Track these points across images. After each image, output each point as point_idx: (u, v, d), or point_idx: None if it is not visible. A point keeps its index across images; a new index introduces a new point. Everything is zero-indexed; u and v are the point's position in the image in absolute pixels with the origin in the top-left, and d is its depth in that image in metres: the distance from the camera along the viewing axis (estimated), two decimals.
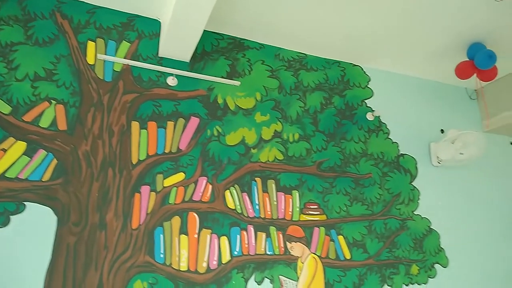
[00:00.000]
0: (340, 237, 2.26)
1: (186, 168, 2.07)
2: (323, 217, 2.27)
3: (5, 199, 1.72)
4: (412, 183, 2.54)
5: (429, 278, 2.37)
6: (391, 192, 2.46)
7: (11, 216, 1.72)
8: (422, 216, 2.48)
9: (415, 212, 2.48)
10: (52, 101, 1.90)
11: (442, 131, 2.75)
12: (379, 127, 2.58)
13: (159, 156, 2.03)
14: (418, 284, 2.33)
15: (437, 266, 2.42)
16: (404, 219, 2.43)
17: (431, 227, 2.48)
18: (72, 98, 1.93)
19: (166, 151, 2.05)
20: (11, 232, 1.70)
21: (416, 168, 2.59)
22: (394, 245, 2.35)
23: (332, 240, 2.24)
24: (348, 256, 2.23)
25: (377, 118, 2.59)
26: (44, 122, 1.86)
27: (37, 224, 1.73)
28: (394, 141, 2.59)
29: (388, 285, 2.26)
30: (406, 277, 2.32)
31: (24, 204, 1.74)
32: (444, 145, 2.54)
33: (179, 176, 2.05)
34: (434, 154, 2.63)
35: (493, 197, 2.76)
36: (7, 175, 1.75)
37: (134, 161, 1.97)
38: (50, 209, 1.77)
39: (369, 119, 2.56)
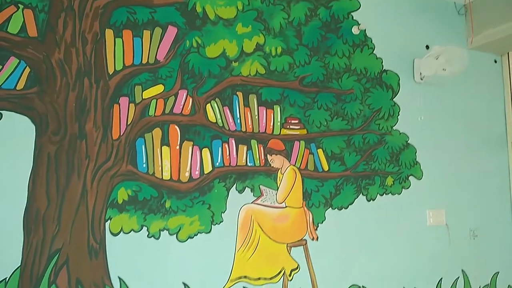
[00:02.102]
0: (320, 151, 2.37)
1: (165, 80, 2.08)
2: (304, 131, 2.36)
3: None
4: (393, 99, 2.62)
5: (403, 189, 2.55)
6: (372, 107, 2.54)
7: None
8: (401, 132, 2.60)
9: (394, 128, 2.59)
10: (19, 5, 1.83)
11: (427, 47, 2.77)
12: (364, 42, 2.59)
13: (136, 67, 2.02)
14: (392, 194, 2.52)
15: (411, 178, 2.59)
16: (383, 134, 2.54)
17: (408, 142, 2.61)
18: (41, 3, 1.86)
19: (143, 62, 2.04)
20: None
21: (399, 84, 2.65)
22: (371, 158, 2.49)
23: (311, 153, 2.35)
24: (326, 168, 2.37)
25: (363, 32, 2.58)
26: (13, 28, 1.81)
27: (16, 133, 1.77)
28: (378, 56, 2.62)
29: (363, 195, 2.44)
30: (381, 188, 2.49)
31: (1, 113, 1.76)
32: (427, 61, 2.58)
33: (158, 88, 2.06)
34: (417, 70, 2.68)
35: (472, 114, 2.89)
36: None
37: (111, 71, 1.97)
38: (28, 118, 1.80)
39: (354, 33, 2.55)
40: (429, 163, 2.65)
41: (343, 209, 2.38)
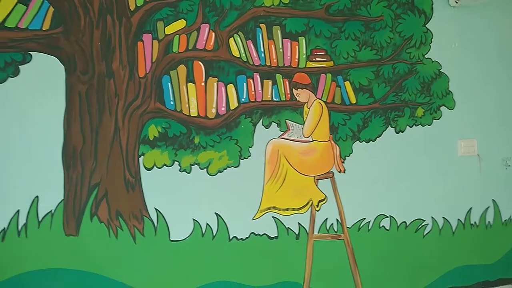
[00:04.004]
0: (347, 83, 2.41)
1: (187, 15, 2.12)
2: (330, 63, 2.38)
3: (10, 49, 1.86)
4: (426, 25, 2.57)
5: (434, 120, 2.59)
6: (403, 35, 2.52)
7: (19, 66, 1.87)
8: (433, 60, 2.58)
9: (426, 56, 2.57)
10: None
11: None
12: None
13: (156, 2, 2.07)
14: (422, 126, 2.56)
15: (443, 108, 2.61)
16: (414, 63, 2.54)
17: (441, 70, 2.60)
18: None
19: None
20: (23, 82, 1.88)
21: (432, 9, 2.58)
22: (401, 89, 2.51)
23: (338, 86, 2.40)
24: (353, 101, 2.42)
25: None
26: None
27: (46, 74, 1.90)
28: None
29: (392, 127, 2.50)
30: (411, 119, 2.53)
31: (30, 54, 1.88)
32: None
33: (180, 23, 2.12)
34: None
35: (511, 39, 2.80)
36: (6, 24, 1.86)
37: (132, 7, 2.03)
38: (56, 58, 1.91)
39: None
40: (462, 92, 2.64)
41: (371, 141, 2.46)
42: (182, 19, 2.12)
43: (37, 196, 1.90)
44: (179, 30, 2.11)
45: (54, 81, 1.91)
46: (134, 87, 2.02)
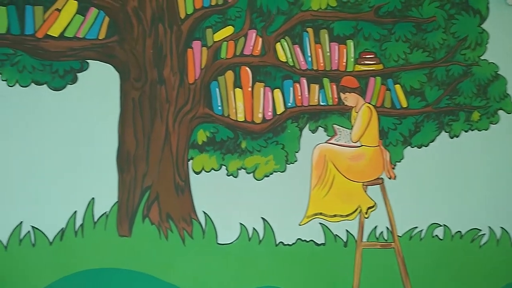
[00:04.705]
0: (397, 86, 2.39)
1: (234, 21, 2.19)
2: (380, 66, 2.37)
3: (69, 58, 2.02)
4: (481, 26, 2.49)
5: (491, 124, 2.50)
6: (457, 36, 2.46)
7: (77, 74, 2.02)
8: (489, 61, 2.50)
9: (481, 57, 2.49)
10: None
11: None
12: None
13: (206, 9, 2.15)
14: (479, 131, 2.48)
15: (500, 112, 2.51)
16: (469, 65, 2.47)
17: (498, 72, 2.51)
18: None
19: (212, 4, 2.17)
20: (81, 89, 2.03)
21: (488, 8, 2.51)
22: (456, 92, 2.45)
23: (388, 89, 2.38)
24: (404, 105, 2.39)
25: None
26: None
27: (102, 81, 2.04)
28: None
29: (446, 132, 2.44)
30: (466, 123, 2.46)
31: (87, 62, 2.02)
32: None
33: (228, 30, 2.19)
34: None
35: None
36: (66, 34, 2.02)
37: (182, 15, 2.13)
38: (111, 66, 2.04)
39: None
40: None
41: (423, 147, 2.41)
42: (230, 26, 2.19)
43: (93, 198, 2.04)
44: (227, 36, 2.18)
45: (109, 88, 2.04)
46: (184, 93, 2.11)
